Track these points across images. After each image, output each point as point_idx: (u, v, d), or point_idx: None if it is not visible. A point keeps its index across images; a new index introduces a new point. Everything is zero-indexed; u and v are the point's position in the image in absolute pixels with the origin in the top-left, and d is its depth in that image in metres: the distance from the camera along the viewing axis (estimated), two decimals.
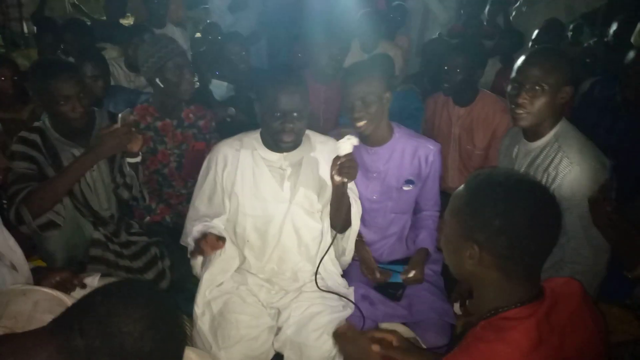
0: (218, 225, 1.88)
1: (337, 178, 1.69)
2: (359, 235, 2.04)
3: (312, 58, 3.15)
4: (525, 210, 1.03)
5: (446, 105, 2.67)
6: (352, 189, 1.95)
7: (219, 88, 3.60)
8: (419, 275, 1.97)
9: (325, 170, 1.87)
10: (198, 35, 5.11)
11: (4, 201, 1.98)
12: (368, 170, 2.07)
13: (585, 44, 4.19)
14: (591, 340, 1.09)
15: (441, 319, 1.89)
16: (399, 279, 1.98)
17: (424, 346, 1.71)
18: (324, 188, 1.91)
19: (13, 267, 1.55)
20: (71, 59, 3.21)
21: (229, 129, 2.48)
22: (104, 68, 2.84)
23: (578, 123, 1.81)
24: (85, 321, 0.96)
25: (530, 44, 3.80)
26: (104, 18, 4.87)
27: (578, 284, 1.14)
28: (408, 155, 2.04)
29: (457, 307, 1.89)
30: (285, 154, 1.88)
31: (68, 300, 1.35)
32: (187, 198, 2.35)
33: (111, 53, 3.71)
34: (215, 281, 1.88)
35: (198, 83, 3.42)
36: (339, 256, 2.02)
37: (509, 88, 1.78)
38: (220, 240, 1.71)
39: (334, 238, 1.93)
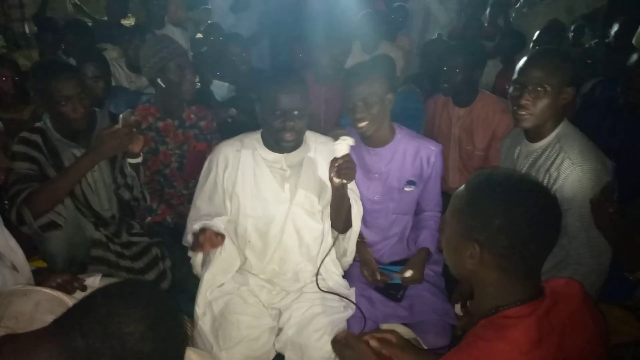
0: (218, 223, 1.88)
1: (336, 180, 1.70)
2: (361, 236, 2.04)
3: (313, 58, 3.16)
4: (526, 210, 1.04)
5: (446, 106, 2.67)
6: (353, 190, 1.95)
7: (220, 89, 3.60)
8: (417, 275, 1.95)
9: (325, 171, 1.87)
10: (199, 35, 5.12)
11: (5, 202, 1.98)
12: (370, 171, 2.07)
13: (587, 45, 4.18)
14: (591, 340, 1.09)
15: (442, 320, 1.88)
16: (399, 279, 1.98)
17: (425, 347, 1.71)
18: (324, 189, 1.90)
19: (14, 268, 1.56)
20: (72, 60, 3.21)
21: (230, 130, 2.48)
22: (105, 69, 2.84)
23: (579, 124, 1.81)
24: (86, 322, 0.96)
25: (531, 45, 3.80)
26: (105, 19, 4.87)
27: (578, 284, 1.14)
28: (410, 156, 2.04)
29: (458, 308, 1.89)
30: (285, 154, 1.89)
31: (69, 300, 1.35)
32: (189, 198, 2.34)
33: (112, 54, 3.71)
34: (216, 281, 1.88)
35: (199, 84, 3.42)
36: (340, 257, 2.02)
37: (511, 89, 1.78)
38: (219, 236, 1.71)
39: (335, 239, 1.93)
